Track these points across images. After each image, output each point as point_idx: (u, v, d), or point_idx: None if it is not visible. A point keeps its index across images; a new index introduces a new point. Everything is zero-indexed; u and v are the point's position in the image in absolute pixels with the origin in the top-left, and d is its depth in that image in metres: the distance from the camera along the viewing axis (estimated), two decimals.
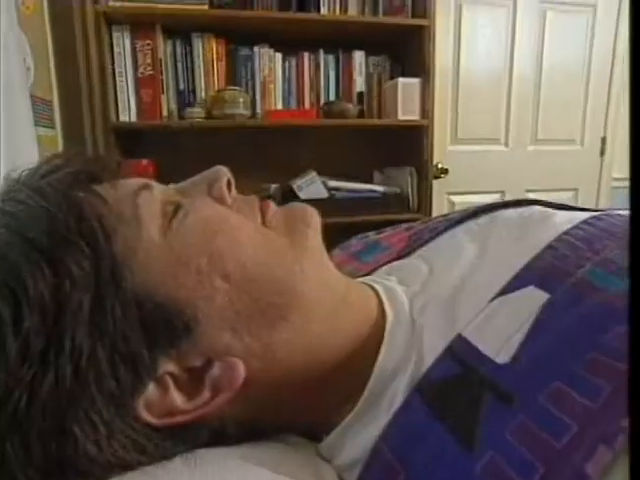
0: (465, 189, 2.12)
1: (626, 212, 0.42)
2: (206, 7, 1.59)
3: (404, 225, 0.58)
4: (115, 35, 1.59)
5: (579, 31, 2.11)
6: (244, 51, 1.76)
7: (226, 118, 1.64)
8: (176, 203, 0.34)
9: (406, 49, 1.83)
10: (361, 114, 1.84)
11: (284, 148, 1.91)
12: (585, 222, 0.41)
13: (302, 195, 1.82)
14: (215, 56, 1.72)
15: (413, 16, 1.76)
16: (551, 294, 0.32)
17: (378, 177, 1.97)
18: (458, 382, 0.30)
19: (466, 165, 2.09)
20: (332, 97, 1.86)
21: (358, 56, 1.84)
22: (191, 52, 1.70)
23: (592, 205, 2.28)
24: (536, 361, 0.28)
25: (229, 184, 0.38)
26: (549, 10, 2.05)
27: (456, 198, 2.11)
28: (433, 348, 0.33)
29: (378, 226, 0.63)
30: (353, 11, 1.79)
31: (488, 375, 0.29)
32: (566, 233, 0.39)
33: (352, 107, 1.79)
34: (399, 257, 0.50)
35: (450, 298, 0.37)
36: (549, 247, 0.38)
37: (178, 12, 1.55)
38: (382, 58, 1.86)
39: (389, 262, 0.49)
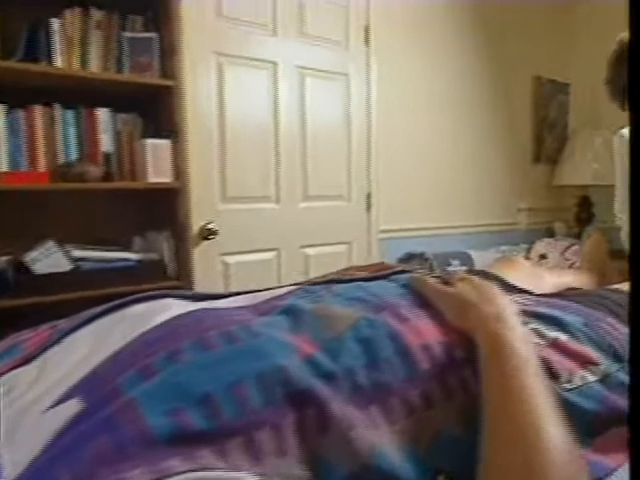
0: (239, 249, 2.08)
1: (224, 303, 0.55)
2: None
3: (50, 323, 0.60)
4: None
5: (337, 97, 2.29)
6: None
7: None
8: None
9: (157, 108, 1.74)
10: (108, 176, 1.67)
11: (17, 215, 1.64)
12: (168, 321, 0.48)
13: (38, 269, 1.56)
14: None
15: (162, 75, 1.69)
16: (87, 403, 0.37)
17: (139, 243, 1.82)
18: None
19: (238, 224, 2.06)
20: (74, 157, 1.66)
21: (103, 113, 1.69)
22: None
23: (364, 256, 2.44)
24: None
25: None
26: (307, 76, 2.18)
27: (230, 259, 2.06)
28: None
29: None
30: (94, 66, 1.64)
31: None
32: (143, 334, 0.46)
33: (95, 169, 1.61)
34: (27, 361, 0.50)
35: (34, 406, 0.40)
36: (116, 352, 0.44)
37: None
38: (132, 116, 1.74)
39: (14, 367, 0.50)
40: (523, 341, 0.50)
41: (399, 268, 0.75)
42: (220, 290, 2.02)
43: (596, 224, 3.14)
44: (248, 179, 2.07)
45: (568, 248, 2.59)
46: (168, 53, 1.65)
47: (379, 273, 0.72)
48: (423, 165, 2.62)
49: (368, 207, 2.44)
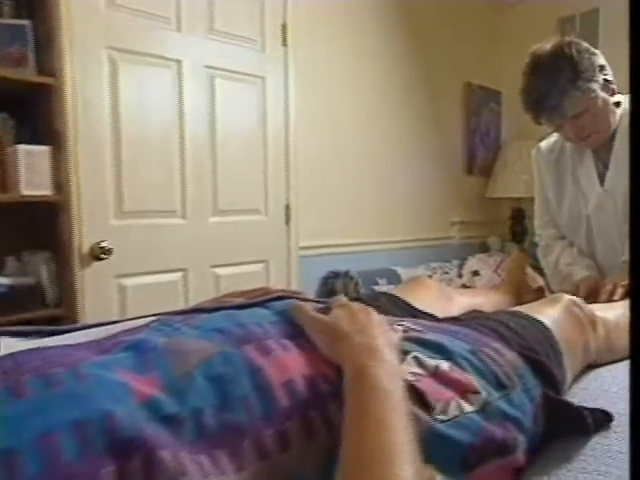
0: (139, 269, 2.03)
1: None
2: None
3: None
4: None
5: (251, 100, 2.32)
6: None
7: None
8: None
9: (34, 110, 1.68)
10: None
11: None
12: None
13: None
14: None
15: (40, 71, 1.63)
16: None
17: (12, 265, 1.73)
18: None
19: (137, 242, 2.01)
20: None
21: None
22: None
23: (283, 275, 2.46)
24: None
25: None
26: (217, 77, 2.19)
27: (127, 281, 2.00)
28: None
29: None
30: None
31: None
32: None
33: None
34: None
35: None
36: None
37: None
38: (1, 117, 1.66)
39: None
40: (388, 374, 0.54)
41: (279, 293, 0.77)
42: (114, 318, 1.96)
43: (530, 238, 3.36)
44: (149, 191, 2.04)
45: (501, 264, 2.75)
46: (45, 45, 1.60)
47: (256, 299, 0.74)
48: (347, 175, 2.70)
49: (287, 221, 2.47)
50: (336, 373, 0.57)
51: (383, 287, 2.47)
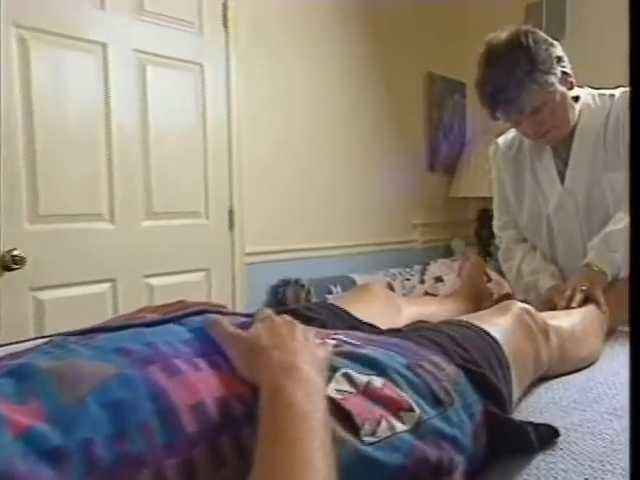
0: (59, 281, 1.97)
1: None
2: None
3: None
4: None
5: (189, 90, 2.29)
6: None
7: None
8: None
9: None
10: None
11: None
12: None
13: None
14: None
15: None
16: None
17: None
18: None
19: (57, 250, 1.95)
20: None
21: None
22: None
23: (227, 284, 2.44)
24: None
25: None
26: (148, 64, 2.16)
27: (44, 294, 1.94)
28: None
29: None
30: None
31: None
32: None
33: None
34: None
35: None
36: None
37: None
38: None
39: None
40: (306, 393, 0.54)
41: (199, 308, 0.76)
42: (30, 336, 1.89)
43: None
44: (69, 192, 1.98)
45: (461, 269, 2.81)
46: None
47: (170, 315, 0.73)
48: (297, 175, 2.71)
49: (230, 225, 2.45)
50: (253, 393, 0.57)
51: (338, 295, 2.49)
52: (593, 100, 1.46)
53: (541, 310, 1.15)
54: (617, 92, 1.45)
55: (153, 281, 2.22)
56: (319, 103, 2.80)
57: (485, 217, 3.48)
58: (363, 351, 0.72)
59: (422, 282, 2.98)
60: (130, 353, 0.58)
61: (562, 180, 1.47)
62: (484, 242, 3.45)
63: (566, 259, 1.54)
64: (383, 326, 1.01)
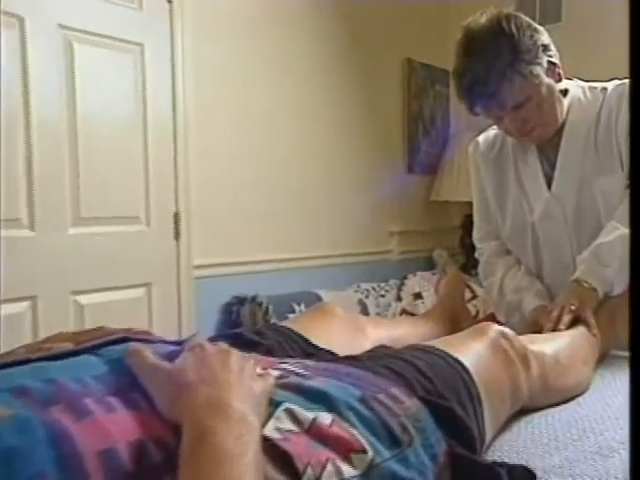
0: None
1: None
2: None
3: None
4: None
5: (126, 75, 2.28)
6: None
7: None
8: None
9: None
10: None
11: None
12: None
13: None
14: None
15: None
16: None
17: None
18: None
19: None
20: None
21: None
22: None
23: (172, 302, 2.42)
24: None
25: None
26: (77, 43, 2.13)
27: None
28: None
29: None
30: None
31: None
32: None
33: None
34: None
35: None
36: None
37: None
38: None
39: None
40: (236, 434, 0.54)
41: (121, 335, 0.75)
42: None
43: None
44: None
45: (438, 284, 2.84)
46: None
47: (84, 345, 0.72)
48: (256, 174, 2.70)
49: (176, 233, 2.44)
50: (175, 436, 0.56)
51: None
52: (583, 94, 1.48)
53: (526, 334, 1.16)
54: (610, 85, 1.47)
55: (82, 299, 2.19)
56: (282, 93, 2.80)
57: (471, 224, 3.46)
58: (311, 383, 0.72)
59: (399, 299, 3.00)
60: (28, 392, 0.57)
61: (549, 185, 1.50)
62: (470, 252, 3.48)
63: (553, 274, 1.56)
64: (344, 352, 1.01)
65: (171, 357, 0.67)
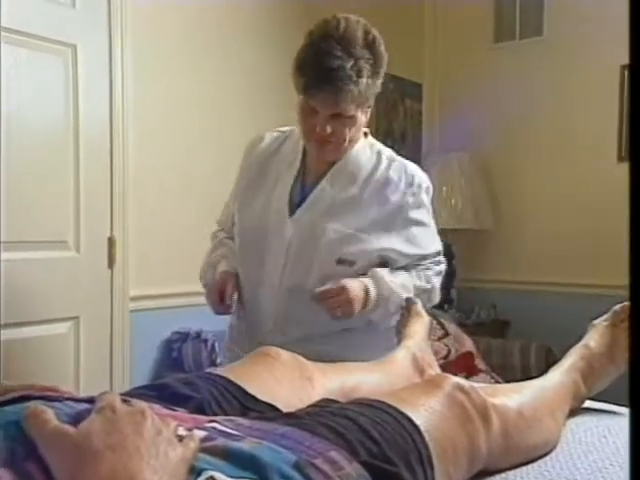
0: None
1: None
2: None
3: None
4: None
5: (55, 79, 2.27)
6: None
7: None
8: None
9: None
10: None
11: None
12: None
13: None
14: None
15: None
16: None
17: None
18: None
19: None
20: None
21: None
22: None
23: (103, 338, 2.39)
24: None
25: None
26: None
27: None
28: None
29: None
30: None
31: None
32: None
33: None
34: None
35: None
36: None
37: None
38: None
39: None
40: None
41: (21, 392, 0.74)
42: None
43: (458, 283, 3.53)
44: None
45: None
46: None
47: None
48: (202, 195, 2.70)
49: (110, 261, 2.43)
50: None
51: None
52: (370, 148, 1.67)
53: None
54: (392, 155, 1.69)
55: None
56: (232, 103, 2.81)
57: (444, 253, 3.56)
58: (241, 445, 0.72)
59: None
60: None
61: (292, 210, 1.60)
62: (442, 286, 3.52)
63: (257, 283, 1.66)
64: (288, 404, 1.01)
65: (79, 418, 0.66)
